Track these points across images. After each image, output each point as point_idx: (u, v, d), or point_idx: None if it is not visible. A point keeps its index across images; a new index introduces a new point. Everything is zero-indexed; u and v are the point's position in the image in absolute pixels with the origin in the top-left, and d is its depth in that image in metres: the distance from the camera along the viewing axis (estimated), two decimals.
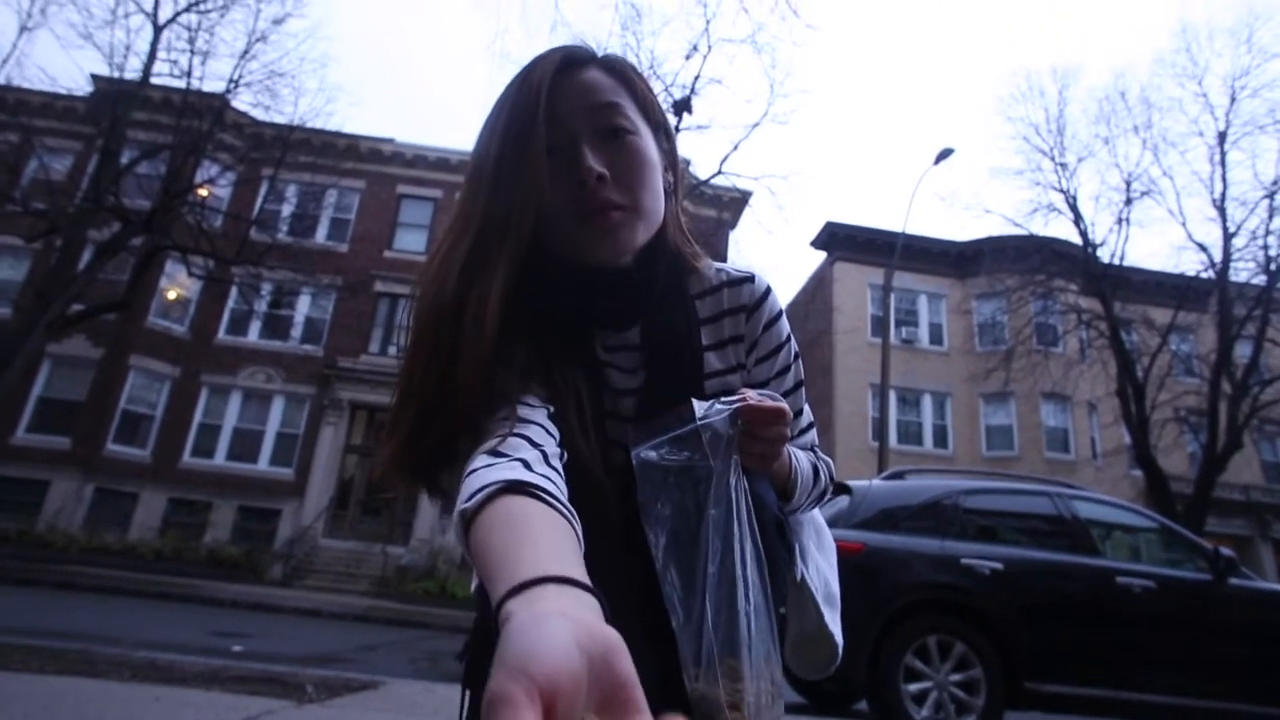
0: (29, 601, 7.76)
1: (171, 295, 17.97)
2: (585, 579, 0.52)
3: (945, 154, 13.29)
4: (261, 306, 17.65)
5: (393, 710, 2.49)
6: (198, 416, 17.65)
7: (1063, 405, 19.38)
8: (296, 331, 18.60)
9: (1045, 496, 4.86)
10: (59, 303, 11.35)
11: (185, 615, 8.07)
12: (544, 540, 0.55)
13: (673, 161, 0.95)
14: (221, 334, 18.32)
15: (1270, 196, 13.50)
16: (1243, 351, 13.46)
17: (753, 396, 0.78)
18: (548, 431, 0.74)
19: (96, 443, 16.32)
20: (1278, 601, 4.59)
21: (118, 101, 12.71)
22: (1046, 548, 4.59)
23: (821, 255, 22.36)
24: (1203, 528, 11.53)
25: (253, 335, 18.38)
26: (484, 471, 0.63)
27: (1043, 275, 14.94)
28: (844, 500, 4.54)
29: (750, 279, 0.97)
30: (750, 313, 0.95)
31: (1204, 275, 14.12)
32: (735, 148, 12.92)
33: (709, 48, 12.25)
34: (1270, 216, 13.44)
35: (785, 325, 0.97)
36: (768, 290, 0.96)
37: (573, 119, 0.83)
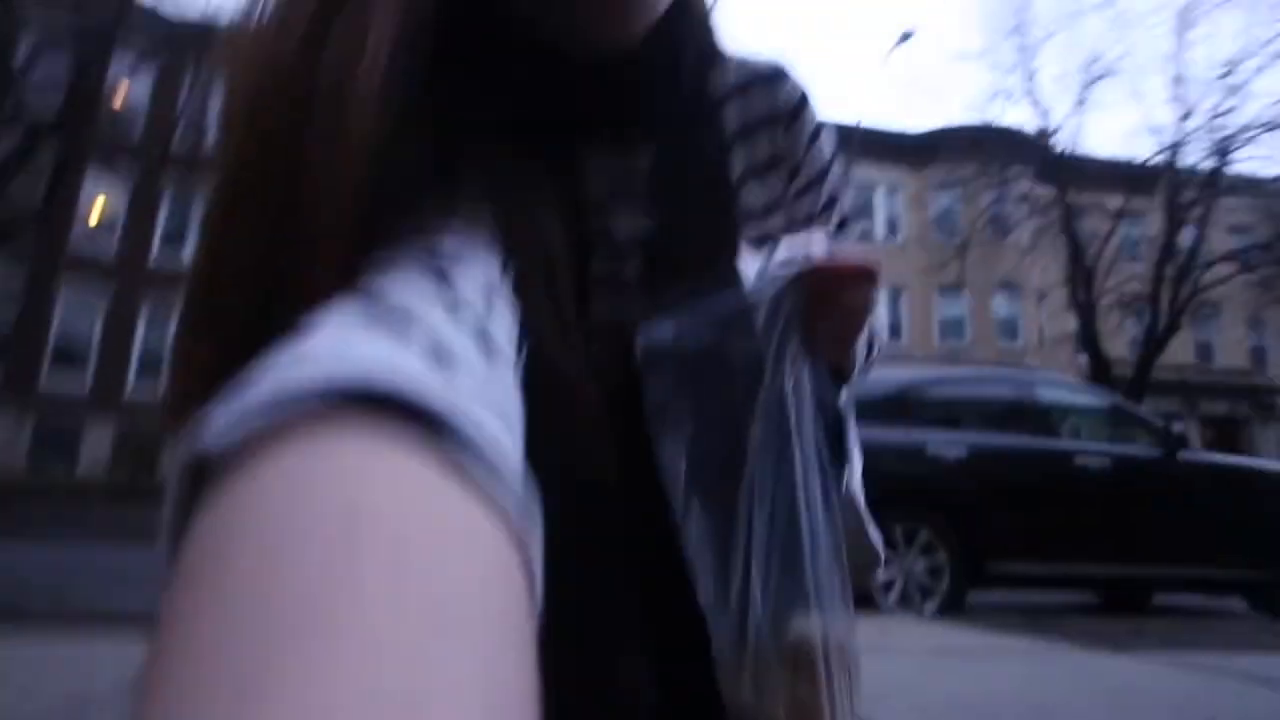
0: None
1: (96, 213, 16.85)
2: None
3: (907, 36, 12.88)
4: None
5: None
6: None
7: (1014, 295, 19.78)
8: None
9: (1007, 382, 4.91)
10: None
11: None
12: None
13: None
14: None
15: (1226, 75, 13.48)
16: (1187, 237, 13.75)
17: (821, 248, 0.48)
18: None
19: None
20: (1226, 473, 4.81)
21: None
22: (1009, 431, 4.65)
23: None
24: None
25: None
26: (321, 338, 0.25)
27: (999, 163, 14.90)
28: None
29: (784, 74, 0.61)
30: (789, 123, 0.60)
31: (1156, 159, 14.20)
32: None
33: None
34: (1224, 97, 13.47)
35: (830, 140, 0.65)
36: (806, 91, 0.63)
37: None
